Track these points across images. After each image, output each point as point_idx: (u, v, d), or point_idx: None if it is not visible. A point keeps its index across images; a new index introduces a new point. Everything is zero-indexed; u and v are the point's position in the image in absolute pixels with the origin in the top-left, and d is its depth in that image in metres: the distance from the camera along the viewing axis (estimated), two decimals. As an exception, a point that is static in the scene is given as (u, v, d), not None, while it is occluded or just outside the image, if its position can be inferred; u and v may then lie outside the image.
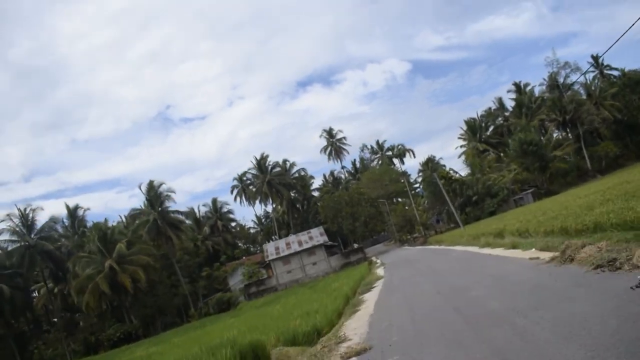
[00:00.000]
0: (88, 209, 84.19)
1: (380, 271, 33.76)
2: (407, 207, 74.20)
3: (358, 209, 62.84)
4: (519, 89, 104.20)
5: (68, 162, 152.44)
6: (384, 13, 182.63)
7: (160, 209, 63.86)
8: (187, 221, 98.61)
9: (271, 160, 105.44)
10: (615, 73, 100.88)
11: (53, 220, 69.19)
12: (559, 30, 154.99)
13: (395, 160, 75.86)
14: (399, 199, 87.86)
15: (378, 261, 51.19)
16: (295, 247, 63.00)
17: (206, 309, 61.62)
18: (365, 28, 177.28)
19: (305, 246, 62.56)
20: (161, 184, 65.76)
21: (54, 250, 66.24)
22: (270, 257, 62.37)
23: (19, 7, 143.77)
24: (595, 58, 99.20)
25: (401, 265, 33.74)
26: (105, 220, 66.44)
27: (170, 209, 66.06)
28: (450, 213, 63.53)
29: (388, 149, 77.53)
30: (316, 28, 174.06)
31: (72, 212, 73.60)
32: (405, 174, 73.38)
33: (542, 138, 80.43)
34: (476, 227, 42.85)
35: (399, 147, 76.02)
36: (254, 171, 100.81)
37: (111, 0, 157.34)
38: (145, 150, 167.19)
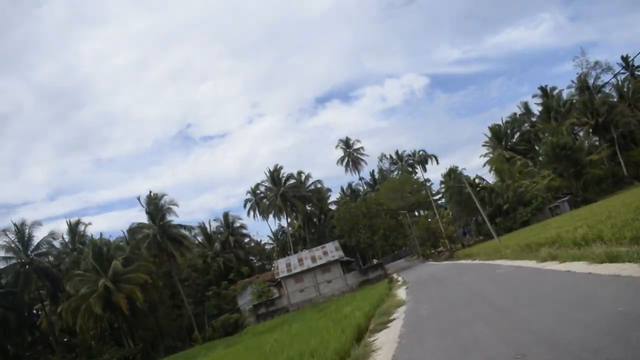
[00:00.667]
0: (89, 223, 79.98)
1: (401, 293, 28.06)
2: (430, 219, 68.27)
3: (376, 221, 57.23)
4: (545, 93, 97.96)
5: (92, 181, 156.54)
6: (401, 28, 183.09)
7: (161, 222, 59.01)
8: (198, 238, 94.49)
9: (285, 172, 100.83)
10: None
11: (52, 235, 64.86)
12: (578, 40, 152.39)
13: (417, 168, 70.23)
14: (421, 211, 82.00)
15: (400, 279, 45.45)
16: (309, 264, 57.50)
17: (210, 332, 56.23)
18: (383, 43, 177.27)
19: (319, 262, 57.03)
20: (163, 196, 61.15)
21: (50, 268, 61.82)
22: (281, 275, 56.95)
23: (43, 31, 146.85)
24: (625, 59, 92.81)
25: (429, 285, 28.02)
26: (101, 235, 61.78)
27: (173, 222, 61.09)
28: (478, 224, 57.57)
29: (408, 156, 71.63)
30: (334, 44, 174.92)
31: (73, 228, 69.22)
32: (427, 182, 67.50)
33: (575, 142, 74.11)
34: (513, 238, 36.96)
35: (421, 153, 69.87)
36: (267, 184, 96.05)
37: (132, 23, 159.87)
38: (168, 168, 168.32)
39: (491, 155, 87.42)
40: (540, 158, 68.45)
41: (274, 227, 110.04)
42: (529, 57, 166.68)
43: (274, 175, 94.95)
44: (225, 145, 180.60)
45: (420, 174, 69.24)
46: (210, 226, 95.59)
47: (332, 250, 58.38)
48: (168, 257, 58.61)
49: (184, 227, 64.08)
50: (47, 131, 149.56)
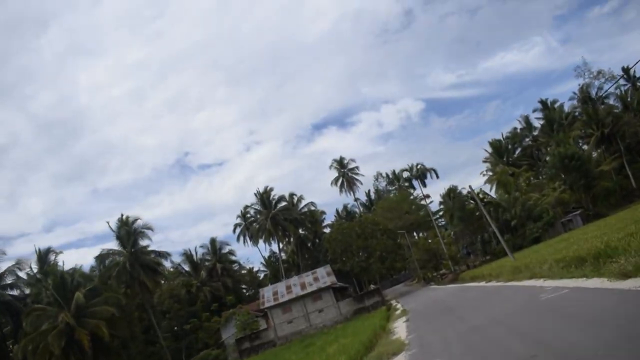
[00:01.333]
0: (60, 252, 73.58)
1: (400, 328, 22.21)
2: (430, 240, 62.74)
3: (372, 242, 51.73)
4: (545, 106, 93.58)
5: (89, 212, 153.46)
6: (395, 54, 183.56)
7: (133, 249, 53.24)
8: (184, 266, 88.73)
9: (276, 194, 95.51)
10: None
11: (18, 265, 58.86)
12: (571, 62, 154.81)
13: (415, 183, 65.02)
14: (421, 233, 76.37)
15: (399, 306, 39.85)
16: (297, 291, 51.66)
17: (188, 371, 50.08)
18: (378, 69, 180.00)
19: (309, 289, 51.20)
20: (135, 220, 55.42)
21: (13, 302, 55.77)
22: (267, 304, 51.03)
23: (41, 61, 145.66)
24: (627, 70, 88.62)
25: (437, 317, 22.16)
26: (63, 263, 55.77)
27: (147, 248, 55.26)
28: (484, 242, 52.08)
29: (405, 170, 66.05)
30: (329, 70, 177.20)
31: (42, 256, 63.25)
32: (426, 198, 62.13)
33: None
34: (529, 256, 31.47)
35: (419, 167, 64.23)
36: (257, 206, 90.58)
37: (128, 53, 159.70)
38: (165, 197, 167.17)
39: (491, 173, 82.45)
40: (547, 170, 63.37)
41: (266, 253, 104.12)
42: (522, 80, 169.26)
43: (264, 197, 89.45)
44: (223, 173, 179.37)
45: (419, 190, 63.71)
46: (196, 253, 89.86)
47: (323, 276, 52.62)
48: (140, 286, 52.64)
49: (160, 253, 58.00)
50: (43, 162, 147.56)
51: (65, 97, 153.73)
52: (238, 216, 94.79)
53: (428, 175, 62.21)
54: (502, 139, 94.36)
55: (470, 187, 56.73)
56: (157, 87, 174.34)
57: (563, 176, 59.03)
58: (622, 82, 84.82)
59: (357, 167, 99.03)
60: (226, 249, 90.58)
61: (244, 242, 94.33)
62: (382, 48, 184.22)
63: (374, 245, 51.90)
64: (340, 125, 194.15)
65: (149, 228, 55.72)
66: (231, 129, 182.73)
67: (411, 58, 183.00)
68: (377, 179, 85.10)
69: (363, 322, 37.68)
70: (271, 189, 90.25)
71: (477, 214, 54.28)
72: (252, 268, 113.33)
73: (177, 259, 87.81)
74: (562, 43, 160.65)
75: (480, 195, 53.74)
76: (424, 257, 59.26)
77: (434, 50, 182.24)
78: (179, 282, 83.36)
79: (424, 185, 59.83)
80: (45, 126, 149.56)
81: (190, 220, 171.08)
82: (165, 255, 59.20)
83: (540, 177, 71.61)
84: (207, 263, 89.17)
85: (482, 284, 32.21)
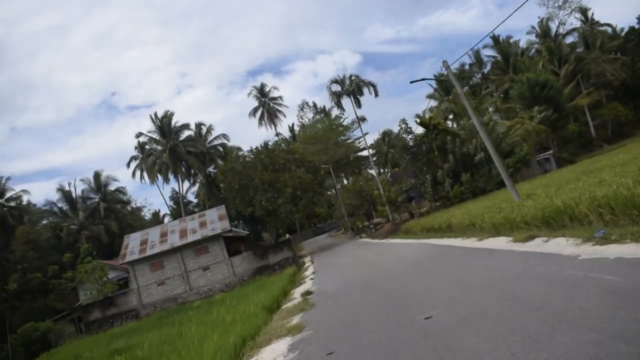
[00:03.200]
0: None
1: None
2: (361, 183, 49.06)
3: (283, 177, 36.98)
4: (497, 42, 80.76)
5: (7, 151, 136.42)
6: (334, 5, 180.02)
7: None
8: (59, 204, 71.04)
9: (179, 120, 78.48)
10: (609, 30, 78.63)
11: None
12: (506, 27, 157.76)
13: (348, 103, 49.90)
14: (351, 175, 62.63)
15: (311, 266, 26.23)
16: (174, 240, 36.54)
17: (5, 352, 34.09)
18: (316, 19, 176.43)
19: (190, 238, 36.17)
20: None
21: None
22: (129, 258, 35.64)
23: None
24: (585, 12, 76.95)
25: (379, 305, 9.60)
26: None
27: None
28: (436, 183, 38.80)
29: (335, 83, 49.93)
30: (267, 18, 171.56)
31: None
32: (361, 121, 47.00)
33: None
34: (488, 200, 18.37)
35: (353, 78, 48.10)
36: (155, 135, 73.40)
37: None
38: (90, 139, 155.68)
39: (436, 111, 69.84)
40: (514, 101, 50.74)
41: (168, 194, 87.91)
42: (457, 41, 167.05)
43: (163, 123, 72.30)
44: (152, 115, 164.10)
45: (351, 112, 47.35)
46: (75, 189, 71.98)
47: (213, 220, 37.68)
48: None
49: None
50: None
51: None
52: (135, 147, 77.02)
53: (366, 91, 47.56)
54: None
55: (418, 116, 43.02)
56: (83, 22, 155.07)
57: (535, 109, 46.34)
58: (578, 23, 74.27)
59: (280, 97, 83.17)
60: (113, 185, 73.42)
61: (141, 179, 77.00)
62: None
63: (286, 180, 37.24)
64: (276, 73, 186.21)
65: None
66: (162, 71, 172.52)
67: (350, 10, 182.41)
68: (302, 109, 69.69)
69: (264, 287, 23.98)
70: (172, 114, 73.08)
71: (425, 147, 40.83)
72: (158, 212, 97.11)
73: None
74: (499, 7, 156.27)
75: (438, 120, 40.17)
76: (354, 201, 45.72)
77: (373, 3, 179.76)
78: (48, 224, 65.93)
79: (359, 104, 45.64)
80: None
81: (117, 162, 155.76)
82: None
83: (500, 115, 59.36)
84: (88, 202, 71.91)
85: (443, 241, 18.54)
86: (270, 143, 71.71)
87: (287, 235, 48.21)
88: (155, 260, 35.70)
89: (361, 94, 43.03)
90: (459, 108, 47.49)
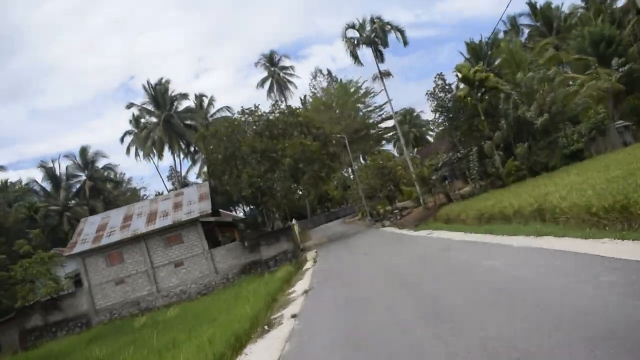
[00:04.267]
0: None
1: None
2: (381, 161, 39.81)
3: (281, 145, 27.66)
4: (534, 9, 69.89)
5: (27, 134, 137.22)
6: None
7: None
8: (40, 182, 63.39)
9: (175, 89, 69.72)
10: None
11: None
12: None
13: (366, 55, 39.93)
14: (371, 151, 53.20)
15: (309, 271, 17.49)
16: (139, 226, 27.92)
17: None
18: (335, 2, 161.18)
19: (159, 224, 27.51)
20: None
21: None
22: (80, 248, 27.18)
23: None
24: None
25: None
26: None
27: None
28: (482, 156, 29.46)
29: (350, 28, 37.95)
30: (286, 1, 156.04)
31: None
32: (386, 76, 35.99)
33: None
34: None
35: (376, 21, 36.18)
36: (149, 106, 65.03)
37: None
38: (108, 122, 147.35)
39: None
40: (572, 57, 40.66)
41: (166, 172, 79.60)
42: (479, 25, 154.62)
43: (157, 92, 63.82)
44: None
45: (372, 65, 36.84)
46: (59, 166, 63.94)
47: (191, 201, 28.93)
48: None
49: None
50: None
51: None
52: (130, 121, 68.74)
53: (390, 37, 36.41)
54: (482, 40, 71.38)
55: (458, 65, 33.51)
56: (102, 4, 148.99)
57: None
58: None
59: (291, 67, 73.93)
60: (101, 162, 65.19)
61: (136, 156, 68.84)
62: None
63: (284, 149, 28.05)
64: (294, 58, 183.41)
65: None
66: (180, 54, 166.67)
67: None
68: (315, 77, 60.11)
69: (234, 300, 15.40)
70: (167, 82, 64.48)
71: (465, 111, 31.38)
72: (161, 194, 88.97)
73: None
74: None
75: (477, 75, 30.56)
76: (374, 180, 36.68)
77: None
78: (22, 205, 58.01)
79: (381, 58, 34.72)
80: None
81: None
82: None
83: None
84: (73, 180, 63.92)
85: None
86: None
87: (292, 221, 39.40)
88: (113, 252, 27.17)
89: (385, 44, 33.39)
90: (518, 57, 37.82)
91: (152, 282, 27.06)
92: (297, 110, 32.00)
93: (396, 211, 34.35)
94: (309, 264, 22.83)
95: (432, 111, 32.69)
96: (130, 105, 64.69)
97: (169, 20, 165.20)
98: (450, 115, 31.44)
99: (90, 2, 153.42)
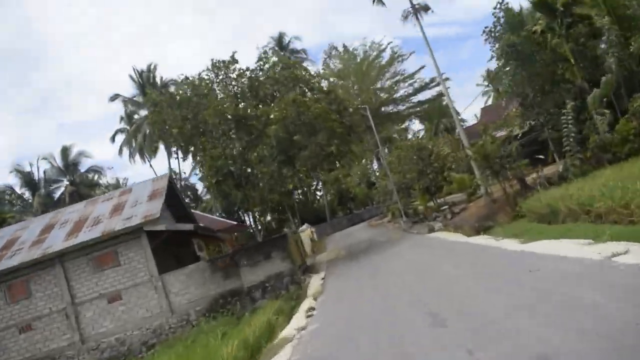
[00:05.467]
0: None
1: None
2: (422, 139, 29.65)
3: (269, 111, 17.59)
4: None
5: (53, 148, 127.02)
6: None
7: None
8: (15, 188, 55.27)
9: (165, 76, 60.40)
10: None
11: None
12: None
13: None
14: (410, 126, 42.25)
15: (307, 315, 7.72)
16: (55, 241, 18.30)
17: None
18: (352, 6, 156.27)
19: (83, 237, 17.85)
20: None
21: None
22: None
23: None
24: None
25: None
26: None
27: None
28: (578, 109, 18.97)
29: None
30: (303, 4, 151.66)
31: None
32: (424, 11, 25.72)
33: None
34: None
35: None
36: (138, 98, 56.16)
37: None
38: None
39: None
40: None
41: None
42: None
43: (144, 79, 54.83)
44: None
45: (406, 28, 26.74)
46: (38, 170, 55.27)
47: (139, 200, 19.24)
48: None
49: None
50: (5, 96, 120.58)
51: (25, 27, 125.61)
52: (121, 117, 60.03)
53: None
54: None
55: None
56: (125, 16, 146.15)
57: None
58: None
59: (303, 51, 63.91)
60: (85, 165, 56.32)
61: (130, 157, 60.09)
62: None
63: (270, 112, 17.59)
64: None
65: None
66: (198, 60, 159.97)
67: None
68: (329, 56, 49.26)
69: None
70: (155, 67, 55.46)
71: (542, 54, 20.96)
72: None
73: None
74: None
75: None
76: (410, 166, 26.56)
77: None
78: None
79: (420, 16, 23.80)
80: (4, 58, 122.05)
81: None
82: None
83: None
84: (52, 186, 55.14)
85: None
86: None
87: (302, 226, 29.29)
88: (15, 282, 17.60)
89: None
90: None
91: (73, 327, 17.33)
92: (295, 63, 21.45)
93: (445, 207, 24.05)
94: (305, 304, 12.80)
95: (494, 57, 22.25)
96: (114, 97, 55.81)
97: (187, 28, 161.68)
98: (520, 62, 21.05)
99: (113, 14, 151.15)
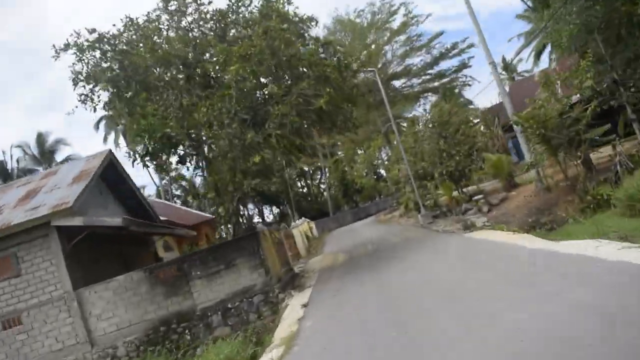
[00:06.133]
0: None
1: None
2: (454, 106, 23.91)
3: (239, 50, 12.56)
4: None
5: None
6: None
7: None
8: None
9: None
10: None
11: None
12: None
13: None
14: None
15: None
16: None
17: None
18: None
19: None
20: None
21: None
22: None
23: None
24: None
25: None
26: None
27: None
28: None
29: None
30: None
31: None
32: None
33: None
34: None
35: None
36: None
37: None
38: None
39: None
40: None
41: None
42: (511, 15, 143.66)
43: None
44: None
45: None
46: (11, 158, 50.34)
47: (58, 185, 13.90)
48: None
49: None
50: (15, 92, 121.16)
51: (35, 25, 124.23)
52: (105, 105, 54.01)
53: None
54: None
55: None
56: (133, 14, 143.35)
57: None
58: None
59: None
60: (63, 153, 51.44)
61: (115, 145, 55.46)
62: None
63: (236, 50, 12.16)
64: None
65: None
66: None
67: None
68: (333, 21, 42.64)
69: None
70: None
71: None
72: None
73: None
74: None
75: None
76: (429, 147, 21.08)
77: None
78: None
79: None
80: (16, 55, 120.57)
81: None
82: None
83: None
84: (26, 176, 49.91)
85: None
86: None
87: (299, 220, 23.91)
88: None
89: None
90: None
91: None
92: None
93: (479, 197, 18.37)
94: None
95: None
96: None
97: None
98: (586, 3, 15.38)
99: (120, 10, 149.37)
